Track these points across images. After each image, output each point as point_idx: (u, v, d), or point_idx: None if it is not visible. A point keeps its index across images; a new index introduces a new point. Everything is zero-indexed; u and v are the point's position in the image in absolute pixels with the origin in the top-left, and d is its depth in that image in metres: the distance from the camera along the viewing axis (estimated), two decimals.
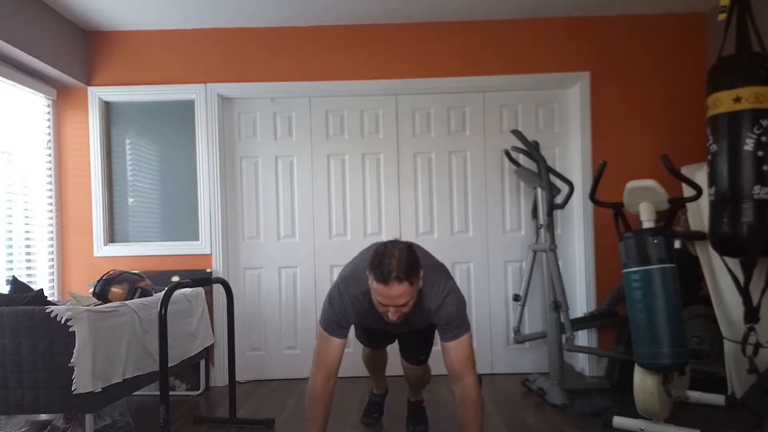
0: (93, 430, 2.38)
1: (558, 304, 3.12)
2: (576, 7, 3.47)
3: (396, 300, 1.86)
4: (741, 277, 2.57)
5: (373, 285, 1.89)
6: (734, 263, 2.62)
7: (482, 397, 2.06)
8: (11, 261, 3.20)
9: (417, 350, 2.51)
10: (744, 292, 2.53)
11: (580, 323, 3.34)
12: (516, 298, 3.43)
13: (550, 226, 3.20)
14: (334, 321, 2.06)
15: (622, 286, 3.31)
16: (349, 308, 2.05)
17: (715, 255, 2.87)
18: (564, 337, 3.12)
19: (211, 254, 3.60)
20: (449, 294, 2.03)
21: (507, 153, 3.46)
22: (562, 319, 3.12)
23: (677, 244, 3.00)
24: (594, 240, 3.56)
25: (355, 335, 2.61)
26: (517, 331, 3.38)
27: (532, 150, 3.19)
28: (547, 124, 3.70)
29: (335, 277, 3.65)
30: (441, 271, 2.11)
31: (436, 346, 2.27)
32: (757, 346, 2.51)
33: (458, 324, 2.03)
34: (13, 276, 2.71)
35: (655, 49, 3.58)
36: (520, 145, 3.38)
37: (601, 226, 3.52)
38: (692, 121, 3.52)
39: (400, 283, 1.83)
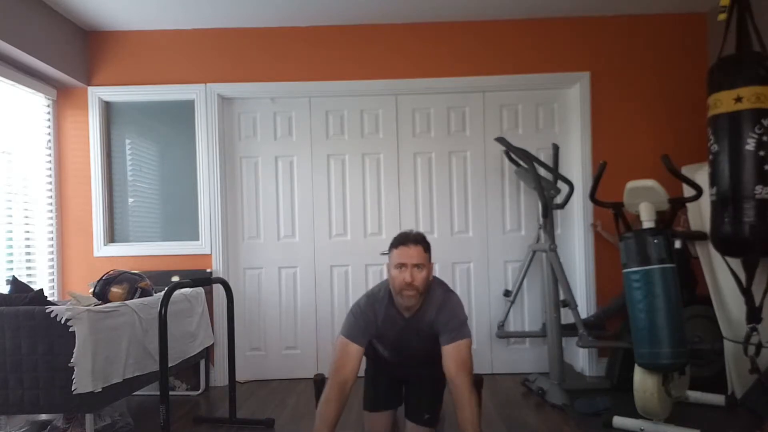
0: (93, 430, 2.38)
1: (566, 303, 3.12)
2: (576, 8, 3.47)
3: (413, 258, 2.09)
4: (743, 278, 2.56)
5: (393, 254, 2.13)
6: (736, 263, 2.62)
7: (477, 398, 2.06)
8: (11, 261, 3.20)
9: (424, 403, 2.38)
10: (746, 292, 2.53)
11: (566, 330, 3.24)
12: (507, 293, 3.42)
13: (549, 227, 3.20)
14: (356, 327, 2.14)
15: (616, 302, 3.32)
16: (370, 315, 2.16)
17: (715, 255, 2.87)
18: (578, 333, 3.10)
19: (211, 254, 3.59)
20: (448, 298, 2.17)
21: (507, 153, 3.46)
22: (573, 318, 3.11)
23: (677, 244, 3.01)
24: (594, 240, 3.56)
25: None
26: (500, 326, 3.37)
27: (521, 156, 3.18)
28: (547, 124, 3.70)
29: (335, 277, 3.69)
30: (442, 284, 2.26)
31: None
32: (759, 346, 2.51)
33: (457, 327, 2.09)
34: (13, 276, 2.71)
35: (655, 49, 3.58)
36: (521, 145, 3.38)
37: (601, 226, 3.52)
38: (692, 121, 3.52)
39: (417, 245, 2.11)
